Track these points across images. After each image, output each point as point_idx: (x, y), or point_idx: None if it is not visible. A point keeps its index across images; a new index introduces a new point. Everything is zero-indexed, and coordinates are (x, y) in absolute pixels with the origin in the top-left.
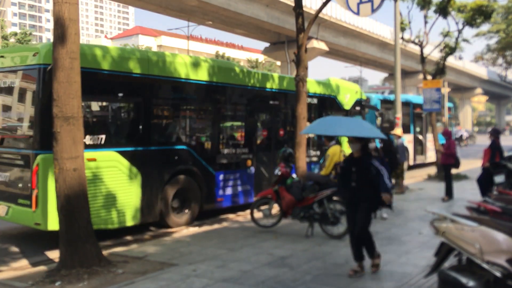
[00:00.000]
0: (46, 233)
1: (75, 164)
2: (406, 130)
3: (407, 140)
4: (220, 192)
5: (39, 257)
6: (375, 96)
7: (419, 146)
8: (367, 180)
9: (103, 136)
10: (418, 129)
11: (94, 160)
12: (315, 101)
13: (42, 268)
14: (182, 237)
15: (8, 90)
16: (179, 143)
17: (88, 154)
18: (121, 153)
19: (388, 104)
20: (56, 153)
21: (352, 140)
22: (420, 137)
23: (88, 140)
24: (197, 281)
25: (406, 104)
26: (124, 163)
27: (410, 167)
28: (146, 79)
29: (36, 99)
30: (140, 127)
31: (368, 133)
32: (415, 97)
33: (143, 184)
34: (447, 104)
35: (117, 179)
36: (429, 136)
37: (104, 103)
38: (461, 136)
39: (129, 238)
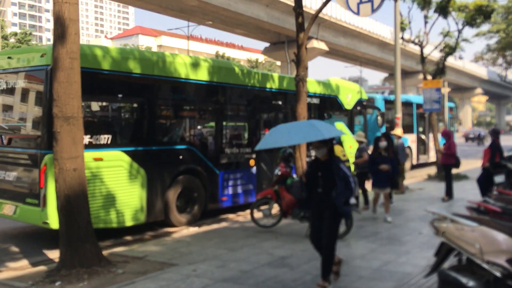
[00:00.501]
0: (46, 233)
1: (75, 164)
2: (409, 130)
3: (411, 140)
4: (224, 191)
5: (39, 257)
6: (379, 97)
7: (422, 146)
8: (335, 185)
9: (110, 136)
10: (421, 129)
11: (101, 159)
12: (316, 101)
13: (42, 268)
14: (182, 237)
15: (16, 91)
16: (183, 143)
17: (95, 153)
18: (127, 152)
19: (392, 104)
20: (56, 153)
21: (317, 145)
22: (423, 137)
23: (94, 140)
24: (197, 281)
25: (409, 104)
26: (130, 162)
27: (414, 166)
28: (151, 79)
29: (43, 100)
30: (146, 127)
31: (328, 134)
32: (418, 98)
33: (148, 184)
34: (447, 104)
35: (123, 179)
36: (432, 135)
37: (111, 103)
38: (479, 134)
39: (129, 238)
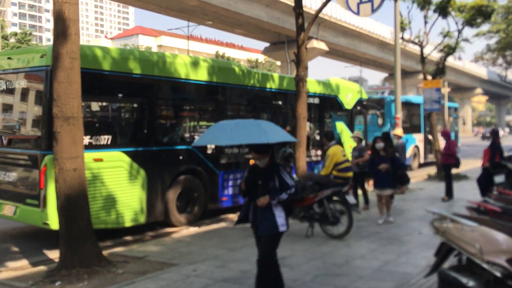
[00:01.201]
0: (46, 233)
1: (75, 164)
2: (417, 129)
3: (418, 139)
4: (224, 191)
5: (39, 257)
6: (389, 98)
7: (429, 145)
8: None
9: (110, 137)
10: (428, 129)
11: (101, 160)
12: (316, 101)
13: (42, 268)
14: (182, 237)
15: (16, 91)
16: (183, 143)
17: (95, 154)
18: (127, 153)
19: (406, 106)
20: (56, 153)
21: (258, 150)
22: (430, 136)
23: (94, 140)
24: (197, 281)
25: (416, 105)
26: (130, 163)
27: (421, 165)
28: (151, 80)
29: (43, 100)
30: (146, 127)
31: (274, 138)
32: None
33: (149, 184)
34: (446, 104)
35: (123, 179)
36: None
37: (111, 104)
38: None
39: (129, 238)
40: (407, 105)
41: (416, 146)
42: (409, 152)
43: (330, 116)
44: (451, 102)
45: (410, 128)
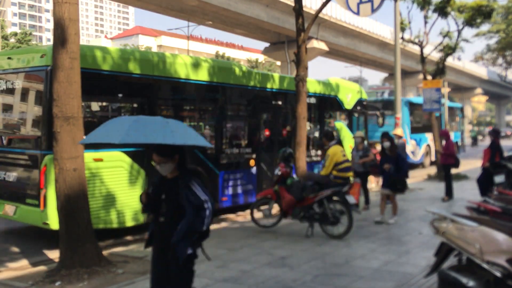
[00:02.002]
0: (46, 233)
1: (75, 164)
2: (428, 129)
3: (430, 139)
4: (224, 191)
5: (39, 257)
6: (405, 99)
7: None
8: (182, 213)
9: None
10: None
11: (101, 160)
12: (316, 101)
13: (42, 268)
14: None
15: (16, 91)
16: None
17: (95, 154)
18: (127, 153)
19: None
20: (56, 153)
21: (161, 151)
22: None
23: None
24: (197, 281)
25: None
26: (130, 163)
27: (432, 163)
28: (151, 80)
29: (43, 100)
30: None
31: (181, 139)
32: None
33: (149, 184)
34: (446, 104)
35: (123, 179)
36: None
37: (111, 104)
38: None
39: (129, 238)
40: (419, 106)
41: (428, 145)
42: (422, 150)
43: (330, 115)
44: (455, 103)
45: (422, 128)
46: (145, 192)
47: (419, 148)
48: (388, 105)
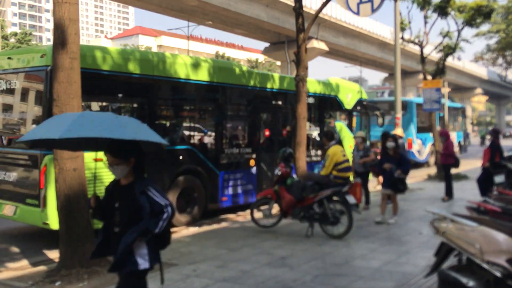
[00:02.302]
0: (46, 233)
1: (75, 164)
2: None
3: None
4: (224, 191)
5: (39, 257)
6: (413, 100)
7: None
8: (139, 223)
9: None
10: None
11: (101, 160)
12: (316, 101)
13: (42, 268)
14: (182, 237)
15: (16, 91)
16: (183, 143)
17: (95, 154)
18: None
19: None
20: (56, 153)
21: (114, 151)
22: None
23: None
24: (197, 281)
25: None
26: None
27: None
28: (151, 80)
29: (43, 100)
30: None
31: (134, 134)
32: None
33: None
34: (447, 104)
35: None
36: (450, 134)
37: (111, 104)
38: None
39: None
40: None
41: (433, 144)
42: (427, 150)
43: (330, 115)
44: (457, 103)
45: (428, 128)
46: (94, 195)
47: (424, 147)
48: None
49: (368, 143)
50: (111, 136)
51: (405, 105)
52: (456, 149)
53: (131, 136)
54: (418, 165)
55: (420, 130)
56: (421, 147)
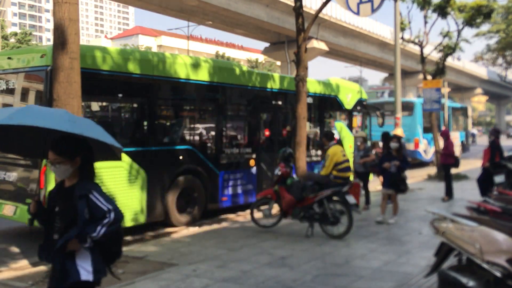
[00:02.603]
0: None
1: None
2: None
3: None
4: (224, 191)
5: None
6: (418, 101)
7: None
8: (73, 228)
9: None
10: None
11: None
12: (316, 101)
13: (42, 268)
14: (182, 237)
15: (16, 91)
16: (183, 143)
17: None
18: (127, 153)
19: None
20: None
21: (58, 147)
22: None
23: None
24: (197, 281)
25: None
26: (130, 163)
27: None
28: (151, 80)
29: (43, 100)
30: (146, 127)
31: (78, 129)
32: (451, 102)
33: (149, 184)
34: (447, 104)
35: (123, 179)
36: (454, 133)
37: (111, 104)
38: None
39: (129, 238)
40: None
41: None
42: (432, 149)
43: (330, 115)
44: (459, 103)
45: (432, 128)
46: (35, 199)
47: (430, 147)
48: (402, 107)
49: (369, 143)
50: (57, 128)
51: (412, 106)
52: (458, 148)
53: (79, 131)
54: (424, 164)
55: (426, 130)
56: (426, 146)
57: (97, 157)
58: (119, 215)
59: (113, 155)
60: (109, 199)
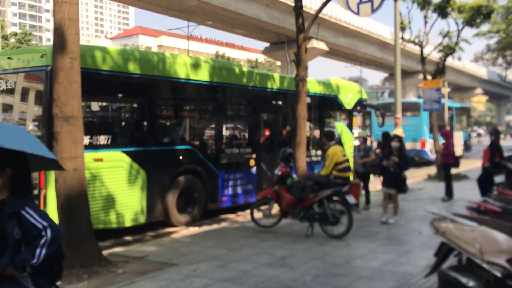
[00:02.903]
0: None
1: (75, 164)
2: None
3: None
4: (224, 191)
5: None
6: (422, 101)
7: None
8: (5, 253)
9: (110, 137)
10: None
11: (101, 160)
12: (316, 101)
13: None
14: (182, 237)
15: (16, 91)
16: (184, 143)
17: (95, 154)
18: (127, 153)
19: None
20: (56, 153)
21: None
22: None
23: (94, 140)
24: (197, 281)
25: (448, 108)
26: (130, 163)
27: None
28: (151, 80)
29: (43, 100)
30: (146, 127)
31: (8, 141)
32: (454, 103)
33: (149, 184)
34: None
35: (123, 179)
36: (456, 133)
37: (111, 104)
38: None
39: (129, 238)
40: None
41: (442, 144)
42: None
43: (330, 116)
44: (462, 104)
45: (440, 128)
46: None
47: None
48: (409, 107)
49: (369, 143)
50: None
51: (418, 107)
52: (461, 148)
53: (6, 143)
54: (430, 163)
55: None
56: (432, 146)
57: (35, 167)
58: (57, 233)
59: (56, 164)
60: (45, 215)
